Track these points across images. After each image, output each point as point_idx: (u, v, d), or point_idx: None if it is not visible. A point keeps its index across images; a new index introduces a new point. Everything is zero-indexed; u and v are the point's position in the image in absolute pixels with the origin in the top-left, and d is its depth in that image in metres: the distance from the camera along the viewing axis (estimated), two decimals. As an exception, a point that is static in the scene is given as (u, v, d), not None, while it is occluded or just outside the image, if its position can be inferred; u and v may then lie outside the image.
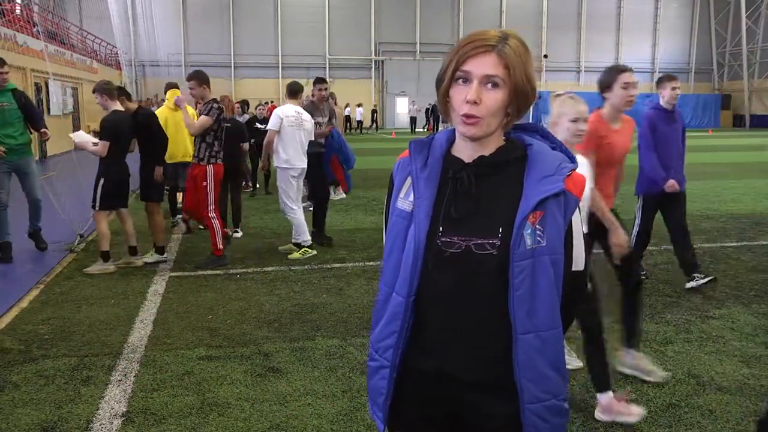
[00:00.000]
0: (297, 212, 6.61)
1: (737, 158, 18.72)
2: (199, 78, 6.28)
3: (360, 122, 35.79)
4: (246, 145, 8.37)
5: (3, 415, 3.26)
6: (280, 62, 39.40)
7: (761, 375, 3.72)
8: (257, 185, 11.64)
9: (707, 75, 46.48)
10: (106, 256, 6.04)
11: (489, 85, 1.34)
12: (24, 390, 3.54)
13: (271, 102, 29.85)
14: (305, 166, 6.70)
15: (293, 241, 6.78)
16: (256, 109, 11.79)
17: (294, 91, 6.82)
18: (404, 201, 1.46)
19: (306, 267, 6.22)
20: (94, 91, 6.11)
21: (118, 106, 6.05)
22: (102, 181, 5.96)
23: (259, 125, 10.80)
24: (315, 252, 6.66)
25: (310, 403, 3.38)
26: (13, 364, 3.91)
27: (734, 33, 43.93)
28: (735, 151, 21.45)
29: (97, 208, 6.03)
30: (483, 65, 1.33)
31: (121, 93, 6.41)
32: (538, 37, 42.50)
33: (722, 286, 5.50)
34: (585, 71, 43.79)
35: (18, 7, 19.63)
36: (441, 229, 1.40)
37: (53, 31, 22.02)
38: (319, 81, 7.37)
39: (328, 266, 6.24)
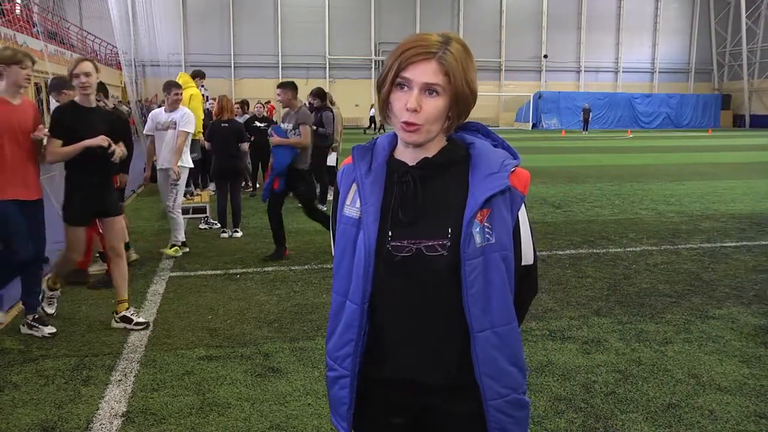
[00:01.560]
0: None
1: (737, 158, 18.72)
2: (55, 87, 5.61)
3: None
4: (245, 145, 8.35)
5: (3, 415, 3.26)
6: (280, 62, 39.40)
7: (761, 375, 3.72)
8: (257, 185, 11.63)
9: (707, 75, 46.48)
10: (104, 256, 6.02)
11: (429, 93, 1.34)
12: (24, 390, 3.54)
13: (269, 102, 29.84)
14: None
15: (174, 241, 6.72)
16: (254, 108, 11.79)
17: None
18: (351, 208, 1.45)
19: (306, 267, 6.22)
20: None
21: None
22: None
23: (258, 124, 10.82)
24: (188, 249, 6.73)
25: (310, 403, 3.38)
26: (13, 364, 3.91)
27: (734, 33, 43.94)
28: (735, 151, 21.46)
29: None
30: (423, 73, 1.33)
31: (98, 89, 6.28)
32: (538, 37, 42.50)
33: (722, 286, 5.50)
34: (585, 71, 43.78)
35: (18, 7, 19.63)
36: (390, 233, 1.40)
37: (53, 31, 22.04)
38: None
39: (328, 266, 6.24)
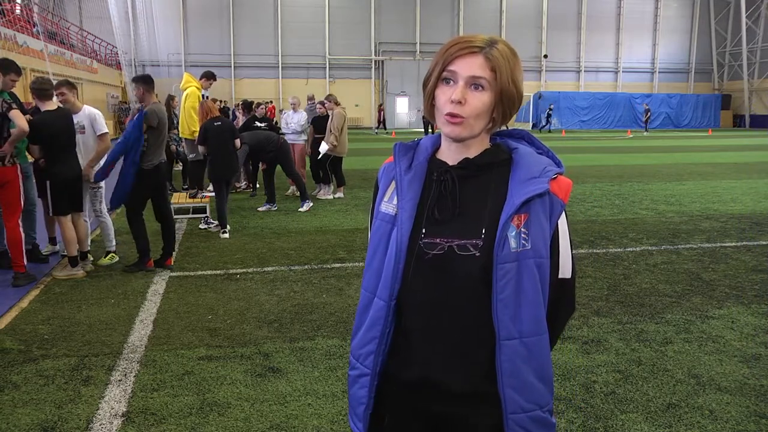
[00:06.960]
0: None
1: (737, 158, 18.71)
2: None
3: None
4: (237, 142, 8.13)
5: (3, 415, 3.26)
6: (280, 62, 39.41)
7: (761, 375, 3.72)
8: (257, 185, 11.63)
9: (707, 75, 46.49)
10: (74, 261, 5.83)
11: (474, 87, 1.33)
12: (24, 390, 3.54)
13: (270, 102, 29.87)
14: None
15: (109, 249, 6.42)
16: (255, 108, 11.77)
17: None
18: (388, 204, 1.45)
19: (306, 267, 6.22)
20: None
21: (49, 106, 5.77)
22: (48, 184, 5.69)
23: (259, 124, 10.81)
24: (118, 258, 6.38)
25: (310, 403, 3.38)
26: (13, 364, 3.91)
27: (734, 33, 43.95)
28: (735, 151, 21.46)
29: (51, 214, 5.81)
30: (469, 66, 1.33)
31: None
32: (538, 37, 42.50)
33: (722, 286, 5.50)
34: (585, 71, 43.78)
35: (18, 7, 19.64)
36: (424, 230, 1.38)
37: (53, 31, 22.04)
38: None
39: (328, 266, 6.24)
